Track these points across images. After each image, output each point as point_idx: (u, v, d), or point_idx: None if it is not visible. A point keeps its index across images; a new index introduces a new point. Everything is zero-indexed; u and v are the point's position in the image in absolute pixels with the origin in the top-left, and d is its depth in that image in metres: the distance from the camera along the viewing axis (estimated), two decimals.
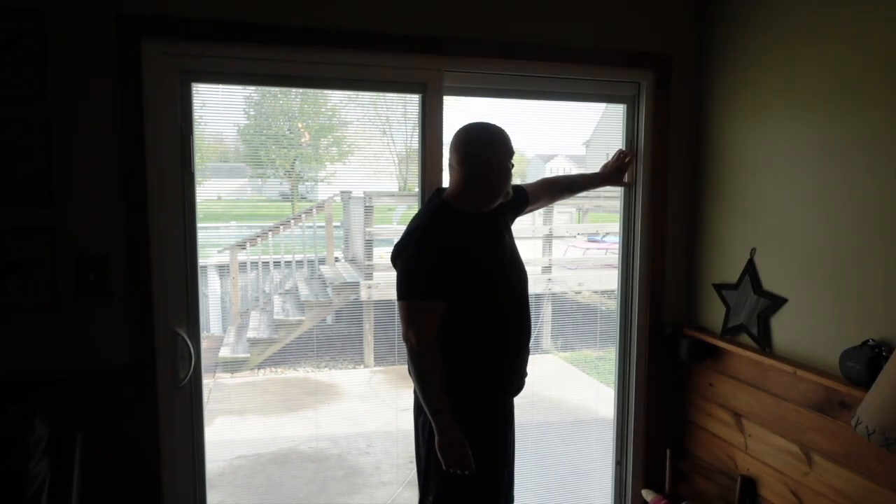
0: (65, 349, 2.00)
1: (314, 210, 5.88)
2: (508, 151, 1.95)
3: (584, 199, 2.80)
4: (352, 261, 6.00)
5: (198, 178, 2.13)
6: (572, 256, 3.45)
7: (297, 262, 6.46)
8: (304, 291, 5.90)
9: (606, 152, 2.54)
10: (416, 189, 2.39)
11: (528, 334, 2.05)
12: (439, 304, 1.83)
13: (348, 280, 5.75)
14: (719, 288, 2.44)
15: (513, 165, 1.98)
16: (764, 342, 2.23)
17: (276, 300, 6.36)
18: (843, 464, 1.96)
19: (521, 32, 2.31)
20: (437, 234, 1.87)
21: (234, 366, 5.92)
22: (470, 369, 1.91)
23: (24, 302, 1.95)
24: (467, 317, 1.87)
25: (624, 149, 2.49)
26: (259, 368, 5.94)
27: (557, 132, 2.57)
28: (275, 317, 6.12)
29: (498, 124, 1.97)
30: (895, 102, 1.79)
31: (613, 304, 2.60)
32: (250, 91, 2.14)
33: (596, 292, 3.12)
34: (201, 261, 2.18)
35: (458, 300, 1.84)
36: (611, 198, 2.61)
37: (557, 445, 2.67)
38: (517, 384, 2.06)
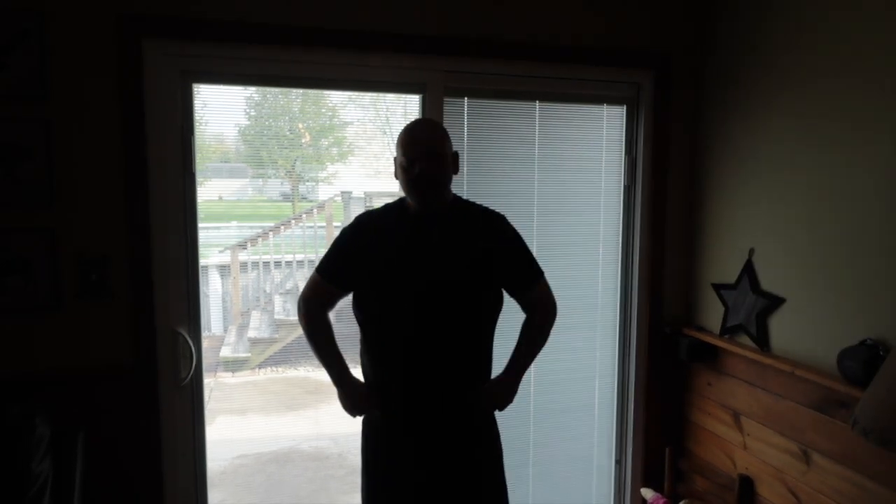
0: (66, 349, 2.01)
1: (315, 210, 5.90)
2: (407, 149, 1.76)
3: None
4: None
5: (199, 179, 2.14)
6: None
7: (297, 261, 6.48)
8: None
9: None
10: None
11: (428, 356, 1.81)
12: (331, 287, 1.87)
13: None
14: (718, 288, 2.45)
15: (426, 165, 1.74)
16: (762, 342, 2.23)
17: (277, 300, 6.38)
18: (842, 462, 1.96)
19: (521, 33, 2.32)
20: (364, 221, 1.90)
21: (234, 365, 5.94)
22: (365, 367, 1.91)
23: (25, 302, 1.95)
24: (364, 313, 1.86)
25: None
26: (260, 368, 5.97)
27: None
28: (275, 316, 6.14)
29: (430, 120, 1.86)
30: (895, 102, 1.80)
31: None
32: (251, 92, 2.15)
33: None
34: (202, 261, 2.19)
35: (359, 291, 1.86)
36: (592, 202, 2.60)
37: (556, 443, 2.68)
38: (402, 404, 1.84)
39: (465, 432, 1.87)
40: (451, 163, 1.83)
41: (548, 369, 2.57)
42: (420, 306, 1.79)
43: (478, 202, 1.94)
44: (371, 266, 1.81)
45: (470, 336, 1.85)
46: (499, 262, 1.85)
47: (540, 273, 1.93)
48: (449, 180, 1.83)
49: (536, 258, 1.93)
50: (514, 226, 1.92)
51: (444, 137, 1.83)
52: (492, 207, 1.93)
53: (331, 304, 1.90)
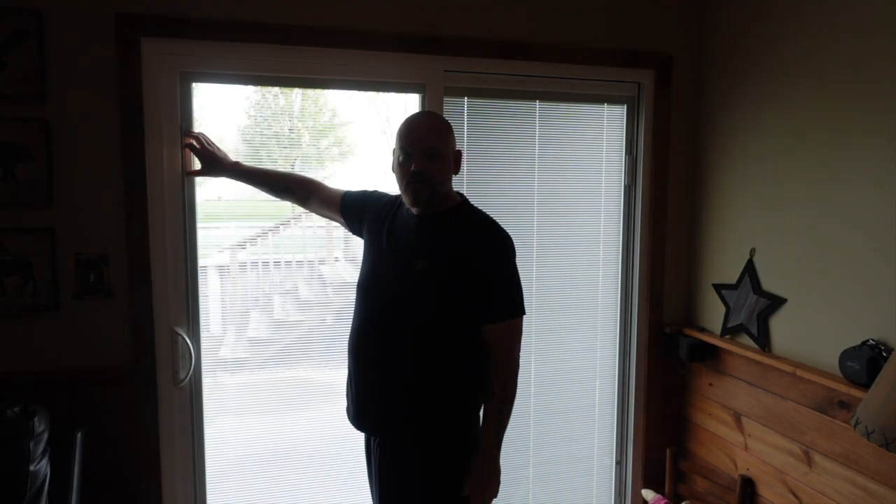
0: (65, 349, 2.00)
1: None
2: (406, 143, 1.70)
3: None
4: (352, 261, 6.01)
5: (198, 178, 2.13)
6: None
7: (297, 262, 6.46)
8: (304, 291, 5.91)
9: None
10: None
11: (368, 358, 1.76)
12: (341, 216, 2.09)
13: (348, 280, 5.75)
14: (719, 288, 2.44)
15: (424, 163, 1.67)
16: (763, 342, 2.23)
17: (276, 300, 6.36)
18: (843, 463, 1.96)
19: (521, 32, 2.32)
20: (385, 193, 2.01)
21: (234, 365, 5.92)
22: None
23: (24, 302, 1.95)
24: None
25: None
26: (259, 368, 5.94)
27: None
28: (275, 317, 6.12)
29: (433, 114, 1.90)
30: (895, 102, 1.79)
31: None
32: (251, 91, 2.14)
33: None
34: (201, 261, 2.19)
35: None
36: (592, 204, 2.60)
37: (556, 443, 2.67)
38: (351, 408, 1.86)
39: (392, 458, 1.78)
40: (451, 162, 1.74)
41: (548, 370, 2.57)
42: (375, 305, 1.77)
43: (485, 211, 1.81)
44: (365, 243, 1.93)
45: (415, 350, 1.70)
46: (470, 282, 1.67)
47: (509, 313, 1.71)
48: (447, 181, 1.73)
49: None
50: (516, 252, 1.76)
51: (447, 134, 1.74)
52: (497, 217, 1.79)
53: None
